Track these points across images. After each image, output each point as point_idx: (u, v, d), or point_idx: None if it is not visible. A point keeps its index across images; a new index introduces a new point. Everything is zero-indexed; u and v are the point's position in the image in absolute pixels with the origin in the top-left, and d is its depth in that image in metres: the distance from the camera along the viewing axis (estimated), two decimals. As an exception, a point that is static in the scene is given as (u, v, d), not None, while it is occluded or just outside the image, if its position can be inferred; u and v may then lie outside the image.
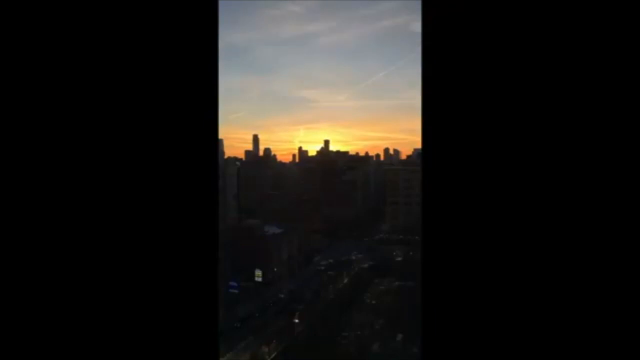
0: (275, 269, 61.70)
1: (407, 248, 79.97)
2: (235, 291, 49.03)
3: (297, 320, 46.83)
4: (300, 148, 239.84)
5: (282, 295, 55.27)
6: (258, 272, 57.81)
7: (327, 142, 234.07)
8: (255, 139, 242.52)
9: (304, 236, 71.90)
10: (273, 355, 41.59)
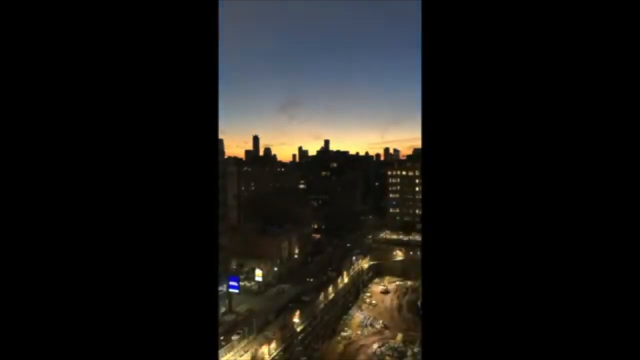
0: (276, 269, 61.64)
1: (407, 248, 79.97)
2: (236, 291, 49.00)
3: (297, 320, 46.77)
4: (300, 148, 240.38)
5: (282, 295, 55.24)
6: (258, 272, 57.75)
7: (327, 142, 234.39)
8: (256, 139, 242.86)
9: (304, 236, 71.85)
10: (273, 355, 41.56)
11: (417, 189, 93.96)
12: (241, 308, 49.57)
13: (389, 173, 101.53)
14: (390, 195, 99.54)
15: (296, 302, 51.90)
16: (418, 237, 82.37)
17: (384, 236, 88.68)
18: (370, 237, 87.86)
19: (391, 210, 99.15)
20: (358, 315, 62.69)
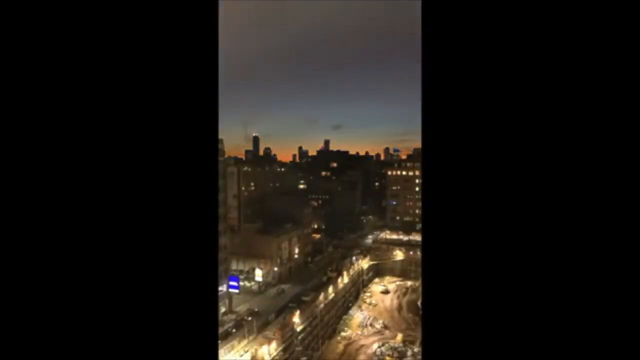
0: (276, 269, 61.61)
1: (407, 248, 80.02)
2: (236, 291, 48.97)
3: (297, 320, 46.75)
4: (300, 148, 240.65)
5: (282, 295, 55.24)
6: (258, 272, 57.71)
7: (327, 142, 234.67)
8: (256, 140, 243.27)
9: (304, 236, 71.84)
10: (273, 355, 41.54)
11: (417, 189, 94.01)
12: (241, 308, 49.55)
13: (389, 173, 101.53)
14: (391, 196, 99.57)
15: (296, 302, 51.91)
16: (418, 237, 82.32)
17: (384, 236, 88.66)
18: (370, 237, 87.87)
19: (391, 211, 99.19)
20: (358, 315, 62.66)
